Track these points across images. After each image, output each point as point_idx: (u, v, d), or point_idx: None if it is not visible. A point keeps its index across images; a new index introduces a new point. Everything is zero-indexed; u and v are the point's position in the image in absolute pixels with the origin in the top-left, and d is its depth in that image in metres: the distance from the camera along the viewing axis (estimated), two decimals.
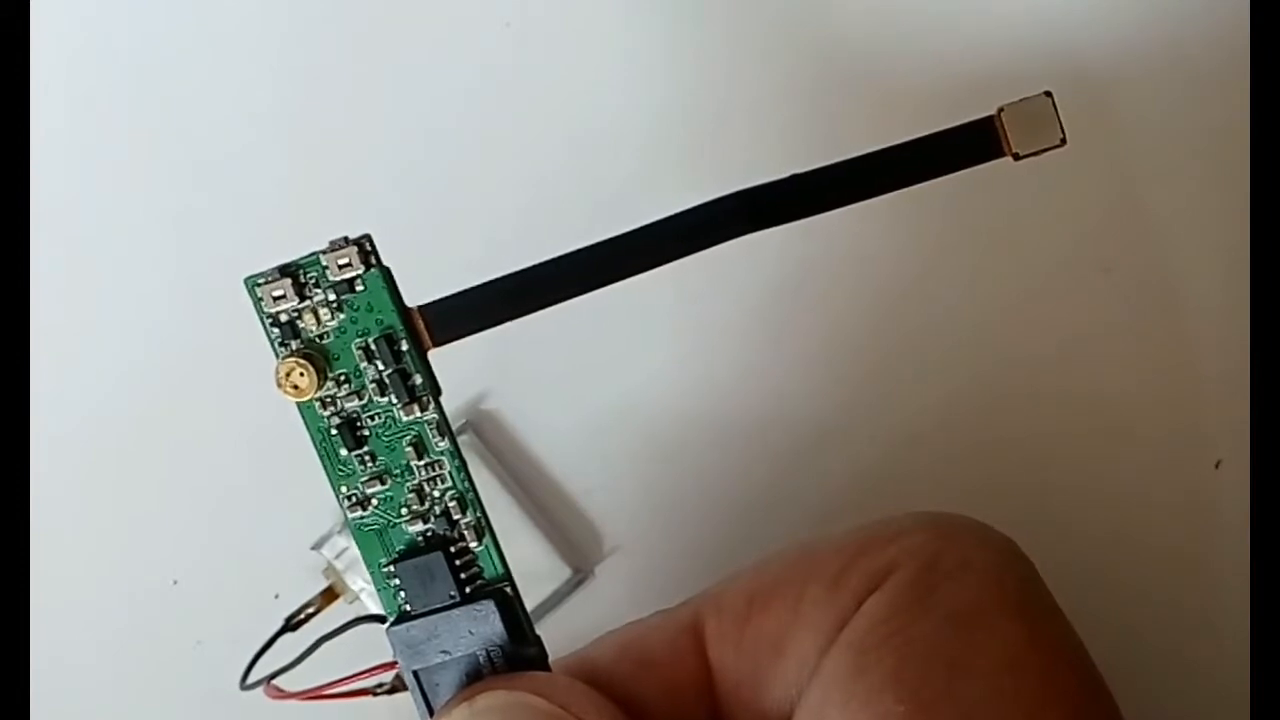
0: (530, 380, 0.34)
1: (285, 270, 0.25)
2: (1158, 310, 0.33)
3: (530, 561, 0.33)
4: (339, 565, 0.33)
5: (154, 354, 0.34)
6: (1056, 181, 0.33)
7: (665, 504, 0.34)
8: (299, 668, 0.28)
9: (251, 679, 0.28)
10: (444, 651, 0.26)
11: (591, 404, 0.34)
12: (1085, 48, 0.33)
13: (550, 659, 0.26)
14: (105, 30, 0.34)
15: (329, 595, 0.32)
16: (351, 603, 0.32)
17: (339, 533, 0.33)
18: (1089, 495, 0.33)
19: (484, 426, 0.34)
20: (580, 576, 0.34)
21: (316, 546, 0.33)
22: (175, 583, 0.34)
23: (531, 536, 0.33)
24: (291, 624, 0.31)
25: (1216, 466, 0.33)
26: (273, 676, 0.27)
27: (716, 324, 0.34)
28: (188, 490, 0.34)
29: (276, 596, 0.34)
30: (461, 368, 0.33)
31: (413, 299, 0.26)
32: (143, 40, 0.34)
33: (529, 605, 0.33)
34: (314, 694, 0.27)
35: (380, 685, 0.28)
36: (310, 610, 0.32)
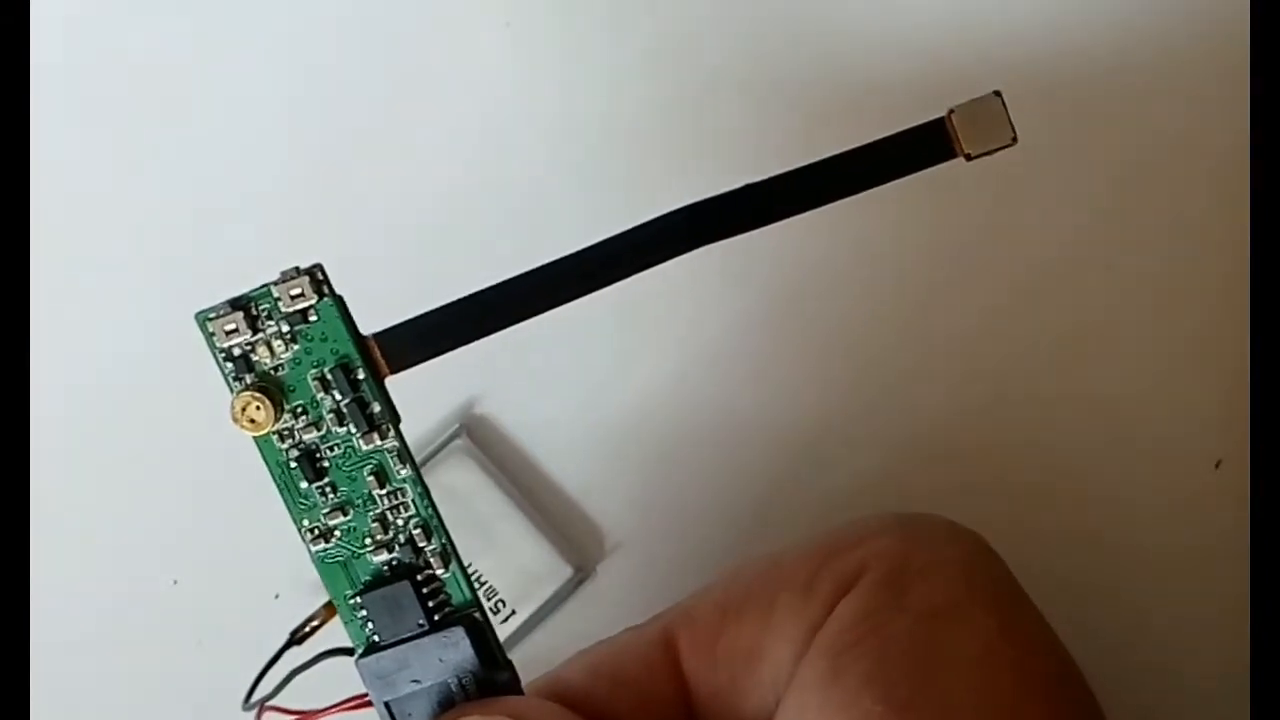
0: (530, 381, 0.34)
1: (236, 304, 0.25)
2: (1158, 310, 0.33)
3: (530, 561, 0.33)
4: None
5: (155, 354, 0.34)
6: (1056, 181, 0.33)
7: (665, 504, 0.34)
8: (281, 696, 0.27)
9: (251, 697, 0.28)
10: (415, 680, 0.25)
11: (590, 404, 0.34)
12: (1085, 48, 0.33)
13: (523, 683, 0.26)
14: (104, 31, 0.35)
15: (331, 609, 0.32)
16: None
17: None
18: (1089, 495, 0.33)
19: (478, 430, 0.34)
20: (580, 576, 0.34)
21: None
22: (175, 583, 0.34)
23: (531, 537, 0.33)
24: (296, 638, 0.31)
25: (1216, 466, 0.33)
26: (261, 703, 0.27)
27: (715, 324, 0.34)
28: (188, 490, 0.34)
29: (277, 596, 0.34)
30: (453, 373, 0.33)
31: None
32: (141, 40, 0.34)
33: (530, 606, 0.33)
34: (305, 717, 0.27)
35: None
36: (315, 624, 0.32)
